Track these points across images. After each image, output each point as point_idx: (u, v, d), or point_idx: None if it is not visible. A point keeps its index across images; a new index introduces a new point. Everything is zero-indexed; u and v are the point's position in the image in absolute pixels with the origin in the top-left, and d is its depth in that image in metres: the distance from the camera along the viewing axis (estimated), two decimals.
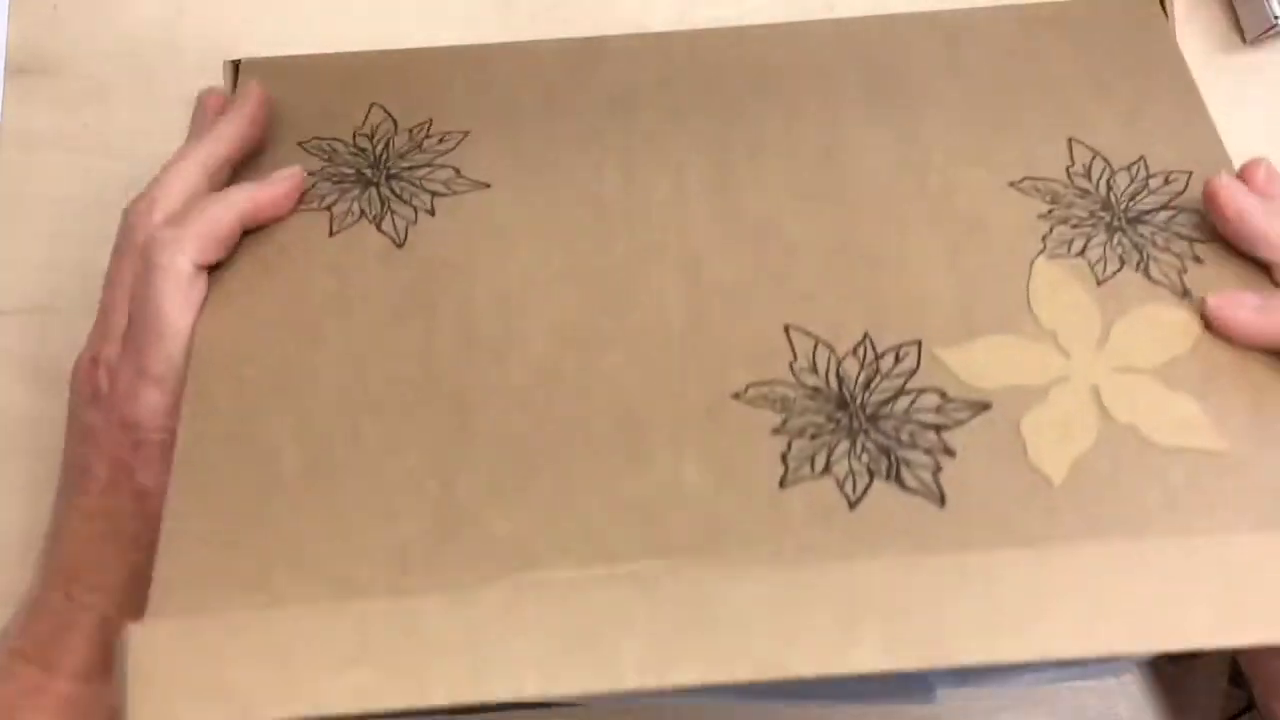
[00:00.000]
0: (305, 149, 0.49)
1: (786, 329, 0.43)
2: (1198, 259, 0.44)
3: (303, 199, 0.48)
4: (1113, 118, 0.48)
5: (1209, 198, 0.44)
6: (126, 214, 0.46)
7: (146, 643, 0.36)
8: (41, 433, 0.52)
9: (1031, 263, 0.44)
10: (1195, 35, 0.54)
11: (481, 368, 0.43)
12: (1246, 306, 0.42)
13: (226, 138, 0.47)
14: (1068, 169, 0.47)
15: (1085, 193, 0.46)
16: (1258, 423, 0.40)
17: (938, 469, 0.39)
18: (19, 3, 0.58)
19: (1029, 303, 0.43)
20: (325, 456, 0.41)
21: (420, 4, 0.57)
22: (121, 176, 0.53)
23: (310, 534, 0.39)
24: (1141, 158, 0.47)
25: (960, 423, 0.40)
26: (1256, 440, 0.40)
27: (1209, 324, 0.42)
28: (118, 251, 0.45)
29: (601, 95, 0.50)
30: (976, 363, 0.42)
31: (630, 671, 0.35)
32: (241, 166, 0.48)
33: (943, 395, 0.41)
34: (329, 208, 0.47)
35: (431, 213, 0.47)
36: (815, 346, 0.42)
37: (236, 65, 0.52)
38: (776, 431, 0.40)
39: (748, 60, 0.51)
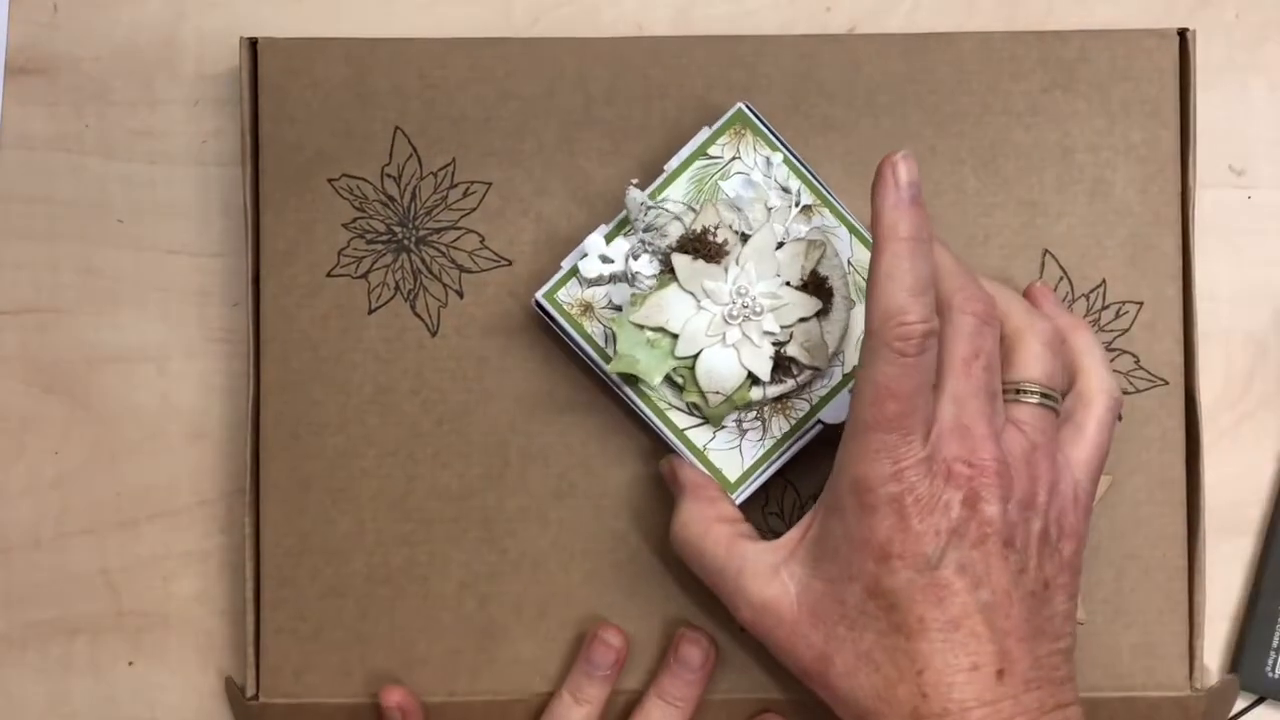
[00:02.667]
0: (336, 189, 0.52)
1: None
2: (1120, 416, 0.52)
3: (339, 259, 0.52)
4: (1092, 225, 0.52)
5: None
6: None
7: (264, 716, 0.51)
8: (41, 433, 0.54)
9: None
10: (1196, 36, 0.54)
11: (509, 483, 0.52)
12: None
13: None
14: None
15: None
16: (1115, 595, 0.52)
17: None
18: (19, 3, 0.55)
19: None
20: (382, 565, 0.51)
21: (421, 3, 0.55)
22: (121, 177, 0.55)
23: (378, 637, 0.51)
24: (1103, 282, 0.52)
25: None
26: (1110, 613, 0.52)
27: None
28: None
29: (615, 127, 0.52)
30: None
31: None
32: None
33: None
34: (364, 275, 0.52)
35: (460, 293, 0.52)
36: (785, 489, 0.52)
37: (253, 44, 0.52)
38: None
39: (757, 89, 0.52)
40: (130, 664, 0.54)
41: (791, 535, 0.45)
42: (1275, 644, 0.53)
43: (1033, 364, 0.45)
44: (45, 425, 0.54)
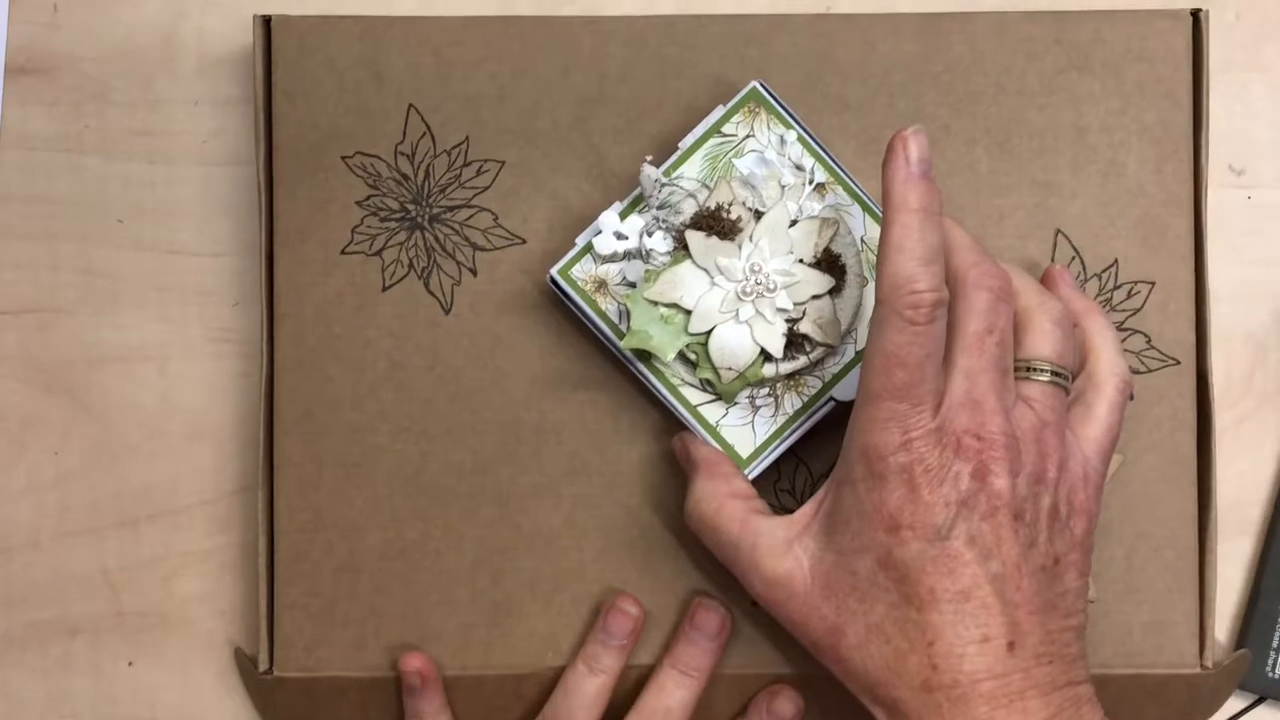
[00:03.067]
0: (350, 166, 0.52)
1: None
2: (1131, 396, 0.52)
3: (352, 236, 0.52)
4: (1105, 206, 0.52)
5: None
6: None
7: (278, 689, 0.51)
8: (41, 433, 0.54)
9: None
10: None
11: (523, 460, 0.52)
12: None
13: None
14: None
15: None
16: (1126, 573, 0.52)
17: None
18: (19, 3, 0.55)
19: None
20: (397, 540, 0.52)
21: None
22: (121, 177, 0.55)
23: (391, 612, 0.52)
24: (1115, 261, 0.52)
25: None
26: (1120, 590, 0.52)
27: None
28: None
29: (629, 106, 0.52)
30: None
31: None
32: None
33: None
34: (379, 253, 0.52)
35: (474, 272, 0.52)
36: (797, 466, 0.52)
37: (267, 21, 0.52)
38: None
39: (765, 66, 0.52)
40: (130, 664, 0.54)
41: (805, 510, 0.46)
42: (1275, 644, 0.53)
43: (1043, 342, 0.46)
44: (45, 425, 0.55)
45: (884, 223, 0.43)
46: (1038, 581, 0.43)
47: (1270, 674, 0.53)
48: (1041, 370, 0.45)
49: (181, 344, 0.54)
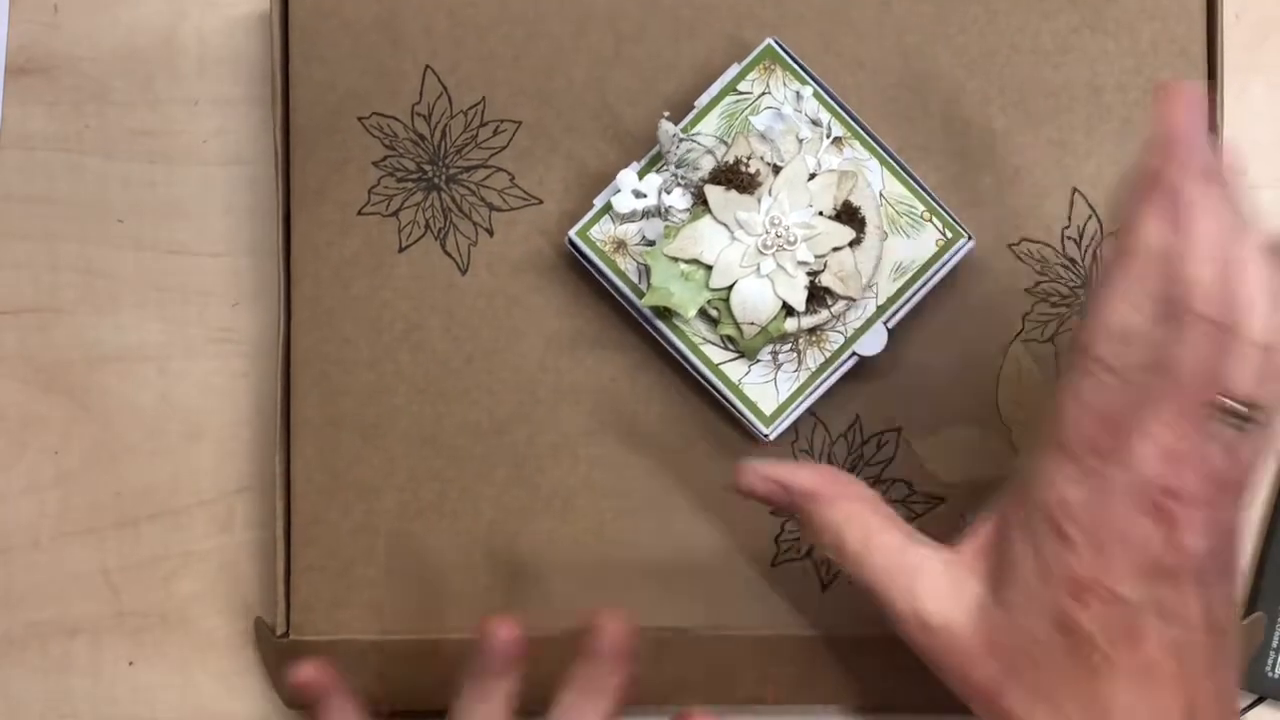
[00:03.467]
0: (366, 127, 0.52)
1: None
2: None
3: (369, 197, 0.52)
4: (1121, 164, 0.52)
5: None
6: None
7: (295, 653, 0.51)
8: (41, 433, 0.54)
9: (1008, 345, 0.52)
10: None
11: (539, 421, 0.52)
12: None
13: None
14: (1063, 231, 0.52)
15: (1071, 263, 0.52)
16: None
17: None
18: (19, 3, 0.55)
19: (996, 391, 0.52)
20: (414, 501, 0.51)
21: None
22: (121, 177, 0.55)
23: (408, 574, 0.51)
24: None
25: (918, 515, 0.51)
26: None
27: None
28: None
29: (645, 66, 0.52)
30: (941, 455, 0.52)
31: None
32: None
33: (910, 487, 0.52)
34: (395, 214, 0.52)
35: (490, 232, 0.52)
36: (815, 426, 0.52)
37: None
38: (774, 513, 0.51)
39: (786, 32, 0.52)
40: (130, 664, 0.54)
41: (968, 547, 0.42)
42: (1275, 644, 0.53)
43: (1243, 376, 0.40)
44: (45, 425, 0.54)
45: (1105, 264, 0.40)
46: (1212, 646, 0.40)
47: (1270, 674, 0.53)
48: (1238, 413, 0.40)
49: (181, 344, 0.54)
